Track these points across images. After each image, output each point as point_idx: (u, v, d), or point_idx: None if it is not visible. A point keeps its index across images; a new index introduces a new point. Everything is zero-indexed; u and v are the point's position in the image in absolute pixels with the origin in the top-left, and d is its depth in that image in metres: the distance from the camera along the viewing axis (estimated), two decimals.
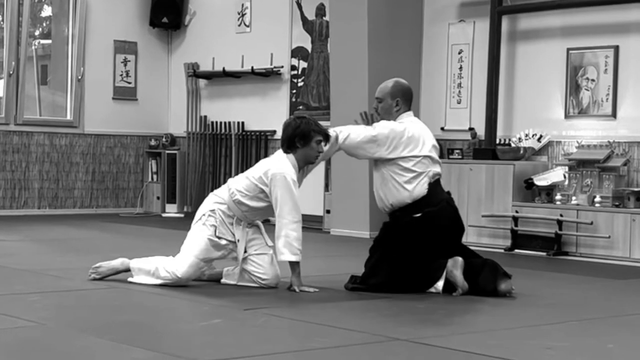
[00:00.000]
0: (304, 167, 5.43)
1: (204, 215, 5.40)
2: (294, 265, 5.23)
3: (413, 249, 5.36)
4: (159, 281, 5.30)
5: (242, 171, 10.56)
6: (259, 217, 5.46)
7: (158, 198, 11.13)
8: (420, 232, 5.36)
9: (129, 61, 11.23)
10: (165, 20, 11.23)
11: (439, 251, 5.39)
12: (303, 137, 5.30)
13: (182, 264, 5.30)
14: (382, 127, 5.49)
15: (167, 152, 11.11)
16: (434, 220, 5.37)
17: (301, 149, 5.32)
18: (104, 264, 5.53)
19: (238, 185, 5.37)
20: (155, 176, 11.26)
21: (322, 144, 5.36)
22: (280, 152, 5.40)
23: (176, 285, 5.27)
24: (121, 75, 11.19)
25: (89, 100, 10.89)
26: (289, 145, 5.33)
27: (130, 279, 5.41)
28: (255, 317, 4.53)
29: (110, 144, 11.10)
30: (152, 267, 5.34)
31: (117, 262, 5.51)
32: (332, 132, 5.50)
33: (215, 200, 5.42)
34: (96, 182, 11.01)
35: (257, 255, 5.38)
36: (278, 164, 5.29)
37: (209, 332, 4.15)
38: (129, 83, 11.25)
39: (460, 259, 5.34)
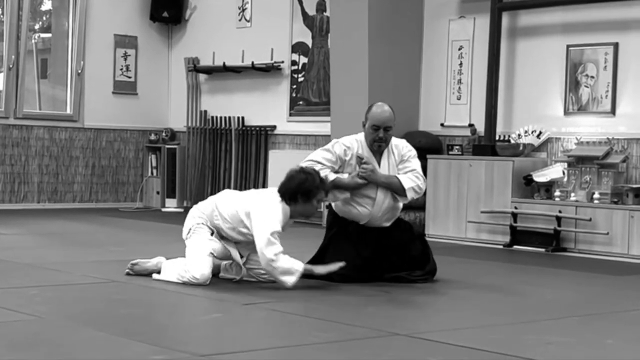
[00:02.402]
0: (297, 217, 5.36)
1: (191, 228, 5.36)
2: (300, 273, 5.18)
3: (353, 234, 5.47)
4: (181, 280, 5.24)
5: (242, 166, 10.66)
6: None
7: (158, 193, 11.14)
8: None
9: (129, 55, 11.24)
10: (165, 14, 11.23)
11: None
12: (306, 194, 5.20)
13: (196, 267, 5.21)
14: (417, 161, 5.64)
15: (167, 146, 11.11)
16: None
17: (301, 204, 5.22)
18: (140, 262, 5.49)
19: (223, 210, 5.29)
20: (155, 171, 11.26)
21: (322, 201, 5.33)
22: (275, 197, 5.22)
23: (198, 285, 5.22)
24: (121, 69, 11.19)
25: (89, 94, 10.89)
26: (290, 197, 5.19)
27: (155, 276, 5.36)
28: (255, 312, 4.54)
29: (110, 139, 11.10)
30: (180, 269, 5.28)
31: (153, 263, 5.47)
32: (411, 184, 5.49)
33: (199, 217, 5.37)
34: (96, 176, 11.01)
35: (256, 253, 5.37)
36: (265, 216, 5.12)
37: (208, 327, 4.17)
38: (129, 77, 11.25)
39: None
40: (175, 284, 5.21)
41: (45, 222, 8.96)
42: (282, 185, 5.24)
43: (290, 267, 5.07)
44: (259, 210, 5.14)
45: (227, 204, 5.30)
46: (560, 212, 7.62)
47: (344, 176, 5.49)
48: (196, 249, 5.26)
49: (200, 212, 5.39)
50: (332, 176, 5.45)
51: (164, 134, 11.28)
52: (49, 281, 5.28)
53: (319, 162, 5.48)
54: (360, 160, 5.46)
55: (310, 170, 5.29)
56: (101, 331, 3.92)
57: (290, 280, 5.07)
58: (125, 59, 11.20)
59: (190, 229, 5.36)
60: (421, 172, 5.59)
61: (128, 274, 5.45)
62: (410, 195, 5.48)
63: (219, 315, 4.42)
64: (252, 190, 5.56)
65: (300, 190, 5.18)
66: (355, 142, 5.57)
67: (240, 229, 5.24)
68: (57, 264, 5.96)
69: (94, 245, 7.21)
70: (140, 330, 4.00)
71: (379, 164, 5.54)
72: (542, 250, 7.67)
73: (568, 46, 8.15)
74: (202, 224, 5.33)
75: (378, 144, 5.51)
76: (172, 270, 5.30)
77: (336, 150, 5.54)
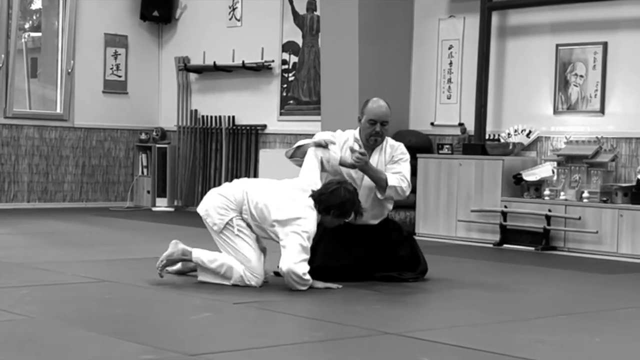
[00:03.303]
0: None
1: (229, 223, 5.21)
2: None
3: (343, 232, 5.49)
4: (229, 282, 5.18)
5: (233, 165, 10.67)
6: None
7: (148, 192, 11.13)
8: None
9: (120, 54, 11.22)
10: (156, 13, 11.22)
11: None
12: (342, 213, 5.20)
13: (256, 274, 5.16)
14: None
15: (158, 146, 11.10)
16: None
17: (331, 218, 5.21)
18: (167, 258, 5.29)
19: (254, 207, 5.17)
20: (145, 170, 11.25)
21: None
22: (311, 208, 5.14)
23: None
24: (111, 68, 11.18)
25: (79, 93, 10.88)
26: (324, 209, 5.15)
27: (201, 278, 5.25)
28: (245, 311, 4.55)
29: (101, 138, 11.09)
30: (224, 269, 5.19)
31: (178, 251, 5.29)
32: (393, 182, 5.47)
33: (233, 208, 5.22)
34: (86, 175, 11.00)
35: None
36: (301, 229, 5.05)
37: (199, 326, 4.17)
38: (120, 76, 11.24)
39: None
40: (164, 284, 5.21)
41: (36, 221, 8.95)
42: (321, 196, 5.17)
43: (307, 280, 5.08)
44: (295, 222, 5.06)
45: (259, 203, 5.17)
46: (549, 211, 7.65)
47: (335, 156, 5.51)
48: (250, 252, 5.18)
49: (230, 202, 5.23)
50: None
51: (154, 133, 11.27)
52: (39, 281, 5.27)
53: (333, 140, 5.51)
54: (353, 150, 5.46)
55: (353, 190, 5.25)
56: (91, 331, 3.93)
57: (301, 288, 5.07)
58: (116, 58, 11.19)
59: (227, 223, 5.19)
60: (408, 177, 5.58)
61: (162, 276, 5.27)
62: (390, 193, 5.48)
63: (209, 315, 4.43)
64: (284, 187, 5.30)
65: (340, 207, 5.16)
66: (349, 135, 5.63)
67: (267, 229, 5.18)
68: (47, 263, 5.95)
69: (84, 244, 7.20)
70: (130, 330, 4.01)
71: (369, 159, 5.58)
72: (532, 249, 7.70)
73: (557, 45, 8.18)
74: (239, 217, 5.22)
75: (374, 139, 5.56)
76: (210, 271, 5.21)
77: (337, 137, 5.60)
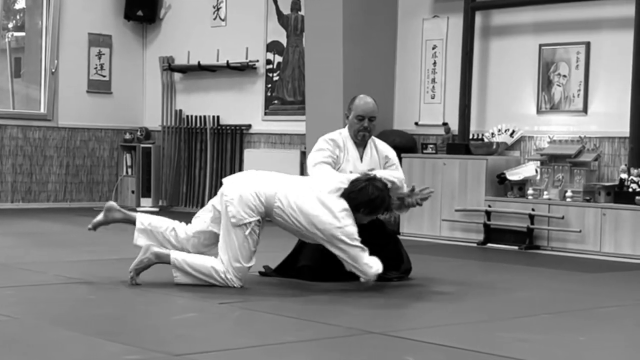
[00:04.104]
0: None
1: (246, 224, 5.07)
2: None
3: None
4: (209, 282, 5.12)
5: (217, 165, 10.65)
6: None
7: (133, 192, 11.11)
8: None
9: (104, 54, 11.20)
10: (140, 13, 11.20)
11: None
12: (373, 210, 5.17)
13: (237, 270, 5.11)
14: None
15: (142, 145, 11.08)
16: None
17: (360, 215, 5.16)
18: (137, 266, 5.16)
19: (286, 204, 5.05)
20: (130, 170, 11.23)
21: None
22: (346, 206, 5.08)
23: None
24: (95, 68, 11.15)
25: (63, 93, 10.85)
26: (354, 207, 5.09)
27: (177, 280, 5.15)
28: (229, 311, 4.55)
29: (85, 138, 11.06)
30: (205, 271, 5.12)
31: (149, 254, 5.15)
32: (392, 179, 5.50)
33: (255, 210, 5.07)
34: (70, 175, 10.97)
35: None
36: (349, 230, 5.04)
37: (183, 326, 4.17)
38: (104, 76, 11.21)
39: None
40: (149, 284, 5.20)
41: (19, 221, 8.92)
42: (350, 194, 5.11)
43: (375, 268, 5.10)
44: (340, 233, 5.02)
45: (291, 201, 5.07)
46: (533, 210, 7.69)
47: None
48: (248, 256, 5.11)
49: (260, 205, 5.07)
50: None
51: (138, 133, 11.25)
52: (23, 281, 5.26)
53: (328, 164, 5.52)
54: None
55: (382, 187, 5.20)
56: (75, 331, 3.92)
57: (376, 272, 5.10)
58: (100, 58, 11.16)
59: (246, 223, 5.06)
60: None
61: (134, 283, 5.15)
62: (399, 182, 5.59)
63: (194, 315, 4.43)
64: (311, 185, 5.19)
65: (369, 204, 5.12)
66: (339, 135, 5.66)
67: (299, 230, 5.11)
68: (31, 264, 5.94)
69: (68, 245, 7.18)
70: (114, 330, 4.00)
71: (361, 158, 5.63)
72: (516, 248, 7.73)
73: (540, 45, 8.21)
74: (259, 224, 5.10)
75: (362, 134, 5.62)
76: (197, 267, 5.13)
77: (330, 148, 5.58)
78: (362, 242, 5.28)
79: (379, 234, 5.68)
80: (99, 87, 11.17)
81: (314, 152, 5.62)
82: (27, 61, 11.39)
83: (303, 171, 9.53)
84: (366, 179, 5.18)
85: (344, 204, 5.09)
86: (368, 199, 5.11)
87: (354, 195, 5.11)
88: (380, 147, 5.74)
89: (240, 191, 5.08)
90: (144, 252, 5.16)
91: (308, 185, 5.20)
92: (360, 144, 5.65)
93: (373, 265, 5.07)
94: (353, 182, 5.17)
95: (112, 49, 11.25)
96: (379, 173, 5.42)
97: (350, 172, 5.48)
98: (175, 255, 5.15)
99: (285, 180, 5.22)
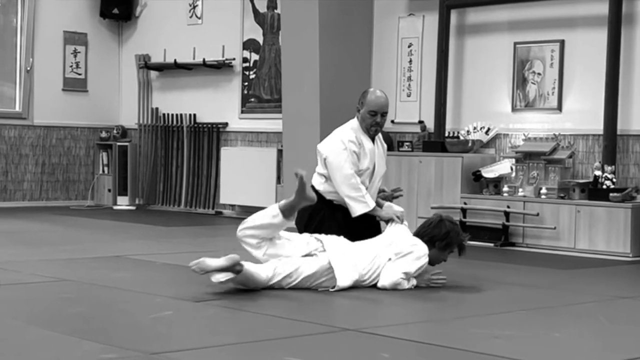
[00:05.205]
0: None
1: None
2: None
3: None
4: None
5: (194, 163, 10.63)
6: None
7: (109, 190, 11.08)
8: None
9: (79, 52, 11.15)
10: (116, 11, 11.16)
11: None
12: (447, 244, 5.36)
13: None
14: None
15: (119, 144, 11.05)
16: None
17: (435, 251, 5.35)
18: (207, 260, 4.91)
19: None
20: (106, 168, 11.20)
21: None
22: (420, 243, 5.33)
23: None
24: (71, 66, 11.10)
25: (39, 91, 10.80)
26: (429, 240, 5.34)
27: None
28: (206, 309, 4.56)
29: (61, 136, 11.01)
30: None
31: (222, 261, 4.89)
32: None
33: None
34: (46, 174, 10.92)
35: None
36: (419, 249, 5.30)
37: (159, 324, 4.17)
38: (79, 74, 11.17)
39: None
40: (126, 281, 5.19)
41: None
42: (425, 229, 5.39)
43: (400, 280, 5.23)
44: (411, 253, 5.27)
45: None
46: (508, 207, 7.73)
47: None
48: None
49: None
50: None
51: (115, 131, 11.22)
52: None
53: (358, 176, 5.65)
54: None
55: (456, 222, 5.49)
56: (51, 330, 3.91)
57: (405, 285, 5.25)
58: (75, 56, 11.12)
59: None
60: None
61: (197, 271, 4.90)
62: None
63: (170, 313, 4.43)
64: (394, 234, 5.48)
65: (444, 239, 5.33)
66: (352, 133, 5.70)
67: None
68: (6, 263, 5.91)
69: (44, 243, 7.16)
70: (90, 329, 4.00)
71: (374, 151, 5.73)
72: (491, 245, 7.78)
73: (515, 43, 8.26)
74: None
75: (374, 129, 5.74)
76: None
77: (352, 148, 5.64)
78: (354, 235, 5.36)
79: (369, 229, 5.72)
80: (75, 85, 11.12)
81: (339, 156, 5.60)
82: (1, 59, 11.29)
83: (279, 169, 9.54)
84: (439, 217, 5.46)
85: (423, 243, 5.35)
86: (443, 233, 5.35)
87: (431, 232, 5.37)
88: (381, 138, 5.89)
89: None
90: (229, 261, 4.84)
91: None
92: (373, 136, 5.77)
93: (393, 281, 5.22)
94: (426, 221, 5.50)
95: (88, 47, 11.20)
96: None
97: (367, 168, 5.66)
98: (248, 267, 4.94)
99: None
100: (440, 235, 5.35)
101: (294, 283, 5.03)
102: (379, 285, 5.21)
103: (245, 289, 4.99)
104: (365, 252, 5.28)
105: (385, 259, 5.26)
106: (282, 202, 5.15)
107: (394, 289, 5.17)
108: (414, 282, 5.28)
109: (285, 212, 5.08)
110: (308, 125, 8.79)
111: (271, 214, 5.09)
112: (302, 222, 5.65)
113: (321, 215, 5.66)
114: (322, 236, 5.25)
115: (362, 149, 5.67)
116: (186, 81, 10.82)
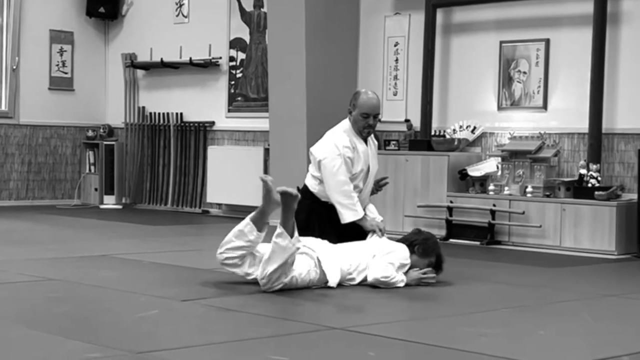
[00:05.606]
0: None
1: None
2: None
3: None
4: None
5: (181, 162, 10.63)
6: None
7: (96, 189, 11.05)
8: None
9: (65, 51, 11.12)
10: (102, 10, 11.14)
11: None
12: (425, 252, 5.49)
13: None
14: None
15: (105, 143, 11.03)
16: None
17: (416, 257, 5.46)
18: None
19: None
20: (92, 167, 11.17)
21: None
22: (402, 245, 5.49)
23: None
24: (57, 65, 11.07)
25: (25, 90, 10.76)
26: (409, 245, 5.49)
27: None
28: (192, 308, 4.56)
29: (47, 135, 10.98)
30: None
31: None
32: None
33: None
34: (32, 173, 10.89)
35: None
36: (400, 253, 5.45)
37: (146, 323, 4.17)
38: (66, 73, 11.14)
39: None
40: (112, 281, 5.19)
41: None
42: (405, 236, 5.60)
43: (390, 277, 5.30)
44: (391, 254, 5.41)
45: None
46: (494, 205, 7.76)
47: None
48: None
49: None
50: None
51: (101, 130, 11.19)
52: None
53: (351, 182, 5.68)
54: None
55: (437, 240, 5.69)
56: (37, 329, 3.91)
57: (399, 284, 5.33)
58: (62, 55, 11.09)
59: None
60: None
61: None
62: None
63: (156, 312, 4.43)
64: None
65: (422, 243, 5.49)
66: (346, 137, 5.70)
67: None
68: None
69: (31, 243, 7.14)
70: (76, 328, 4.00)
71: (367, 153, 5.74)
72: (477, 243, 7.80)
73: (501, 42, 8.29)
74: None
75: (367, 130, 5.74)
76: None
77: (346, 153, 5.64)
78: (346, 238, 5.41)
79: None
80: (61, 84, 11.09)
81: (333, 161, 5.61)
82: None
83: (266, 168, 9.54)
84: (424, 232, 5.66)
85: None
86: (423, 238, 5.51)
87: (410, 237, 5.56)
88: (373, 137, 5.90)
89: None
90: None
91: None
92: (365, 138, 5.78)
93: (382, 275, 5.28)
94: (411, 232, 5.71)
95: (74, 45, 11.18)
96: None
97: (362, 170, 5.69)
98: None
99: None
100: (419, 240, 5.48)
101: (287, 280, 5.03)
102: (369, 279, 5.24)
103: (236, 283, 5.00)
104: (348, 251, 5.36)
105: (369, 257, 5.33)
106: (252, 213, 5.16)
107: (386, 281, 5.20)
108: (403, 277, 5.31)
109: (257, 222, 5.08)
110: (295, 124, 8.80)
111: (245, 230, 5.09)
112: (298, 222, 5.65)
113: (316, 215, 5.66)
114: (303, 238, 5.26)
115: (356, 153, 5.67)
116: (173, 80, 10.81)
